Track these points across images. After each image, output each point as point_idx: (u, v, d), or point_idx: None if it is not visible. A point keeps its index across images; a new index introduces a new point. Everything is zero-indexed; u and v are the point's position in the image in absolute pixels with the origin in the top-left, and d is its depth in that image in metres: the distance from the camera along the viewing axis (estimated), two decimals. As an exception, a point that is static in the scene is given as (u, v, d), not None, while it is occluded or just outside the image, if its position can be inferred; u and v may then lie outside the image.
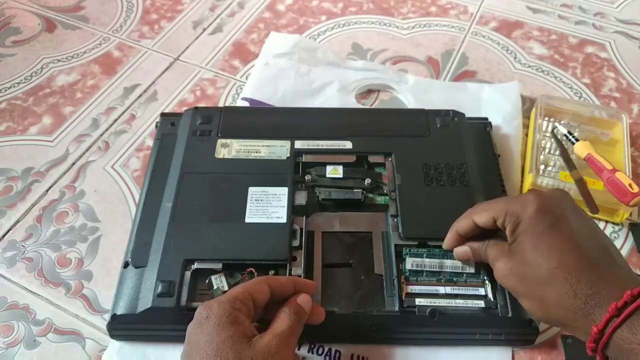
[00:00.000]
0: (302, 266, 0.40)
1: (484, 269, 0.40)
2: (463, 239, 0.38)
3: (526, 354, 0.39)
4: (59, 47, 0.64)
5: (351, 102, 0.57)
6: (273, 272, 0.40)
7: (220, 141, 0.47)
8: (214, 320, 0.31)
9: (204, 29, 0.67)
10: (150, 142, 0.53)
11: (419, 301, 0.39)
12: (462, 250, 0.38)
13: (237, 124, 0.49)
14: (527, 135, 0.53)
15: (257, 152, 0.47)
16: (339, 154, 0.47)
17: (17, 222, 0.48)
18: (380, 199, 0.45)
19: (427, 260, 0.40)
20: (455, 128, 0.49)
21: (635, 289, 0.29)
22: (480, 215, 0.36)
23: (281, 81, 0.57)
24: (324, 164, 0.47)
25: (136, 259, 0.41)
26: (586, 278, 0.31)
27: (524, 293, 0.34)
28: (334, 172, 0.46)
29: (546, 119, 0.53)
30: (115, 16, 0.68)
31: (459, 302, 0.39)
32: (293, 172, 0.45)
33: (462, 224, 0.38)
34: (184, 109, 0.51)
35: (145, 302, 0.38)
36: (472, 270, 0.40)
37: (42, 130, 0.55)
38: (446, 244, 0.39)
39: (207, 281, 0.39)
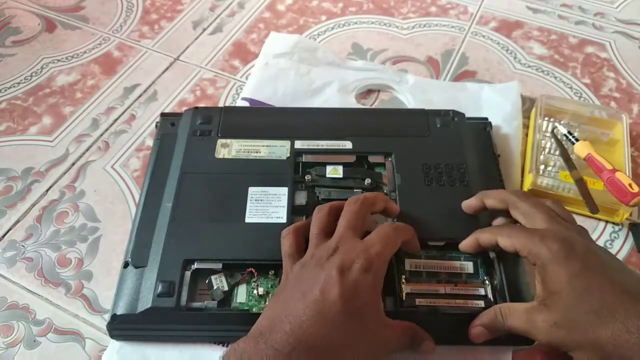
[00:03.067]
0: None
1: (483, 269, 0.40)
2: (482, 249, 0.39)
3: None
4: (59, 47, 0.64)
5: (351, 102, 0.57)
6: (273, 272, 0.40)
7: (220, 141, 0.47)
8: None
9: (204, 29, 0.67)
10: (150, 142, 0.53)
11: (419, 301, 0.39)
12: (479, 331, 0.36)
13: (237, 124, 0.49)
14: (527, 135, 0.53)
15: (257, 152, 0.47)
16: (339, 154, 0.47)
17: (17, 222, 0.48)
18: (380, 199, 0.45)
19: (426, 262, 0.40)
20: (455, 128, 0.49)
21: None
22: (505, 240, 0.36)
23: (281, 81, 0.57)
24: (324, 164, 0.47)
25: (136, 259, 0.40)
26: (632, 311, 0.30)
27: (576, 344, 0.32)
28: (334, 172, 0.46)
29: (546, 119, 0.53)
30: (115, 16, 0.69)
31: (459, 302, 0.39)
32: (293, 172, 0.45)
33: (486, 238, 0.38)
34: (184, 109, 0.51)
35: (145, 302, 0.38)
36: (471, 270, 0.40)
37: (42, 130, 0.55)
38: (466, 248, 0.40)
39: (207, 281, 0.39)
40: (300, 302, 0.32)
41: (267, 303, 0.36)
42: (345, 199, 0.44)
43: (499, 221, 0.41)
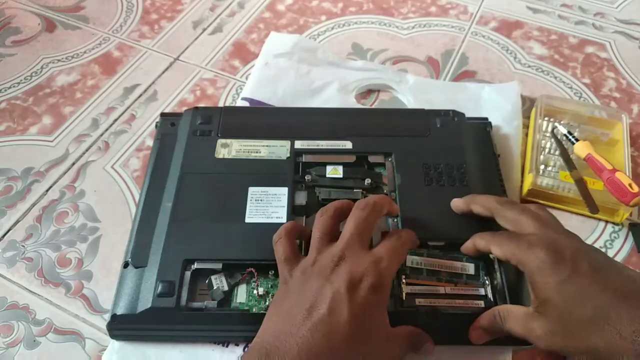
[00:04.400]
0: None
1: (484, 270, 0.40)
2: (479, 253, 0.39)
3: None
4: (59, 47, 0.64)
5: (351, 102, 0.57)
6: (273, 272, 0.40)
7: (220, 141, 0.47)
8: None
9: (204, 29, 0.67)
10: (150, 142, 0.53)
11: (419, 301, 0.39)
12: (479, 334, 0.37)
13: (237, 124, 0.49)
14: (527, 135, 0.53)
15: (257, 152, 0.47)
16: (339, 154, 0.47)
17: (17, 222, 0.48)
18: (380, 199, 0.45)
19: (427, 259, 0.40)
20: (455, 128, 0.49)
21: None
22: (496, 249, 0.36)
23: (281, 81, 0.57)
24: (324, 164, 0.47)
25: (136, 259, 0.41)
26: (625, 315, 0.30)
27: (574, 349, 0.31)
28: (334, 172, 0.46)
29: (546, 119, 0.53)
30: (115, 16, 0.69)
31: (459, 302, 0.39)
32: (293, 172, 0.45)
33: (482, 246, 0.38)
34: (184, 109, 0.51)
35: (145, 302, 0.38)
36: (472, 271, 0.40)
37: (42, 130, 0.55)
38: (466, 251, 0.40)
39: (207, 281, 0.39)
40: (307, 320, 0.31)
41: (268, 310, 0.34)
42: (346, 199, 0.44)
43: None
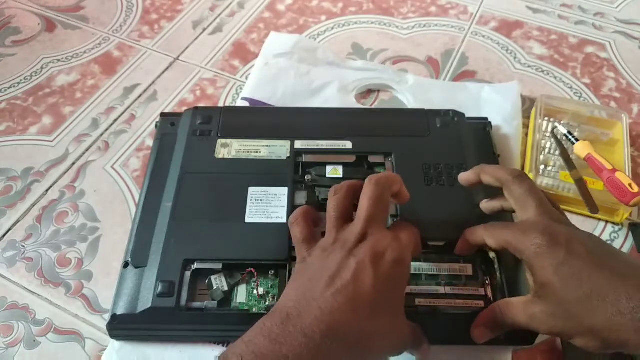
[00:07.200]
0: (302, 266, 0.40)
1: (483, 271, 0.40)
2: (475, 248, 0.39)
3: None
4: (59, 47, 0.64)
5: (351, 102, 0.57)
6: (273, 271, 0.40)
7: (220, 141, 0.47)
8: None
9: (204, 29, 0.67)
10: (150, 142, 0.53)
11: (418, 301, 0.39)
12: (481, 332, 0.36)
13: (237, 124, 0.49)
14: (527, 135, 0.53)
15: (257, 152, 0.47)
16: (339, 154, 0.47)
17: (17, 222, 0.48)
18: (380, 199, 0.45)
19: (425, 264, 0.40)
20: (455, 128, 0.49)
21: None
22: (490, 240, 0.36)
23: (281, 81, 0.57)
24: (324, 164, 0.47)
25: (136, 259, 0.40)
26: (623, 292, 0.30)
27: (575, 331, 0.31)
28: (334, 172, 0.46)
29: (546, 119, 0.53)
30: (115, 16, 0.69)
31: (459, 302, 0.39)
32: (293, 172, 0.45)
33: (475, 238, 0.38)
34: (184, 109, 0.51)
35: (145, 302, 0.38)
36: (470, 272, 0.40)
37: (42, 130, 0.55)
38: (460, 251, 0.39)
39: (207, 281, 0.39)
40: (330, 287, 0.30)
41: (287, 284, 0.34)
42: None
43: (487, 205, 0.42)
